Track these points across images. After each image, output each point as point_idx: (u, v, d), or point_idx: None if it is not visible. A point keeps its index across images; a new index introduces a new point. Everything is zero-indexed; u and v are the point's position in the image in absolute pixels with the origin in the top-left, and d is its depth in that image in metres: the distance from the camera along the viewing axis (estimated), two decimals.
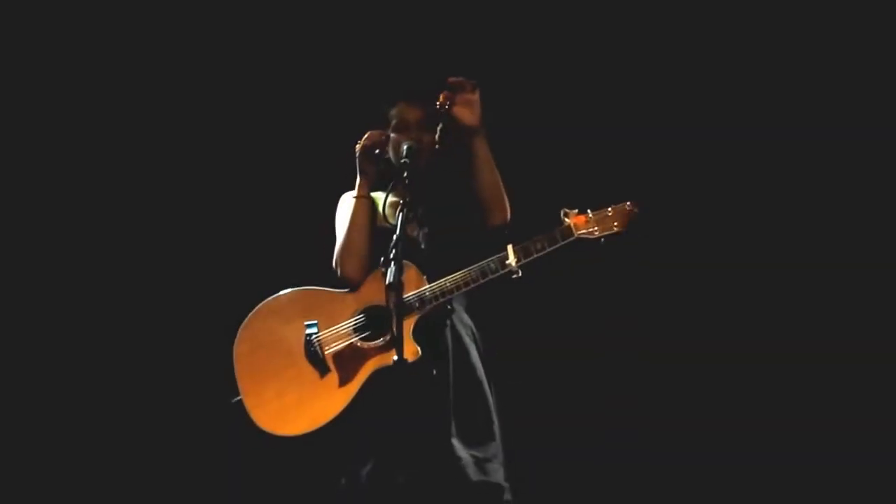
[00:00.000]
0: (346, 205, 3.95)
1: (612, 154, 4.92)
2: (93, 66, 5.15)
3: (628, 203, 3.84)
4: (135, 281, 5.14)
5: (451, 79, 3.79)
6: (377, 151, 3.87)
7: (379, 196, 3.96)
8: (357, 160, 3.88)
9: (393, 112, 3.96)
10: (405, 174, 3.73)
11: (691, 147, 4.96)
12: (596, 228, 3.82)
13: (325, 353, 3.77)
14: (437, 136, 3.85)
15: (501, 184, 3.86)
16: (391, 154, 3.92)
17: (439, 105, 3.78)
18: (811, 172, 4.96)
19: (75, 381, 5.12)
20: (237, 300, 3.94)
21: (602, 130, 4.95)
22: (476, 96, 3.79)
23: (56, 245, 5.15)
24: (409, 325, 3.71)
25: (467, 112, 3.79)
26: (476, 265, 3.77)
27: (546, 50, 5.01)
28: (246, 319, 3.85)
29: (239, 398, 3.80)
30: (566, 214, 3.81)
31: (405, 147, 3.82)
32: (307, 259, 4.15)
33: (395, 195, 3.89)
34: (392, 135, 3.93)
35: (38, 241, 5.15)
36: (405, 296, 3.61)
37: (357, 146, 3.88)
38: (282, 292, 3.88)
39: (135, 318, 5.13)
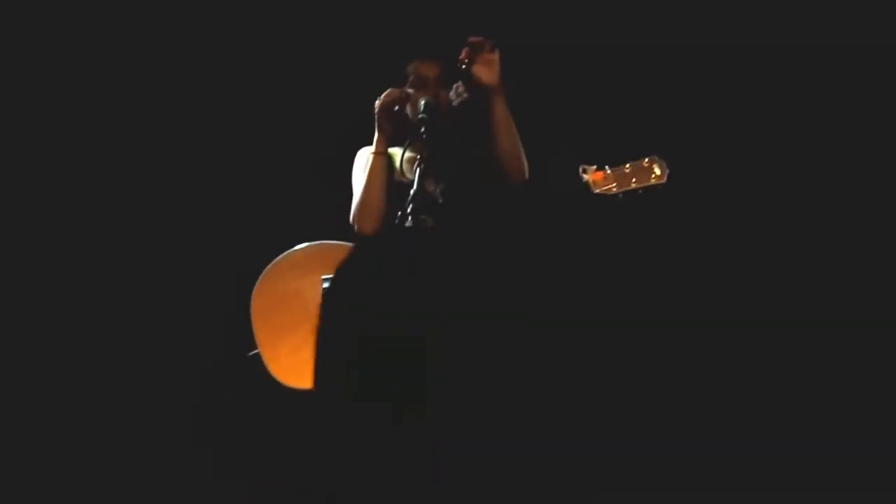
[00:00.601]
0: (364, 160, 3.96)
1: (633, 109, 4.87)
2: (93, 66, 5.11)
3: (646, 159, 3.83)
4: (154, 229, 5.15)
5: (471, 38, 3.80)
6: (396, 108, 3.88)
7: (396, 151, 3.98)
8: (375, 117, 3.89)
9: (411, 68, 3.97)
10: (422, 129, 3.75)
11: (719, 102, 4.90)
12: (614, 185, 3.82)
13: None
14: (453, 94, 3.87)
15: (519, 143, 3.87)
16: (409, 110, 3.92)
17: (459, 63, 3.79)
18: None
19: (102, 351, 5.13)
20: (255, 255, 3.97)
21: (624, 85, 4.91)
22: (495, 56, 3.79)
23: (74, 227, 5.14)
24: None
25: (486, 71, 3.79)
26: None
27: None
28: (263, 273, 3.90)
29: (256, 351, 3.84)
30: (584, 171, 3.81)
31: (422, 103, 3.82)
32: (324, 213, 4.16)
33: (413, 151, 3.90)
34: (410, 91, 3.94)
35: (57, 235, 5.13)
36: None
37: (376, 103, 3.89)
38: (298, 246, 3.92)
39: (153, 271, 5.14)
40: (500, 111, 3.83)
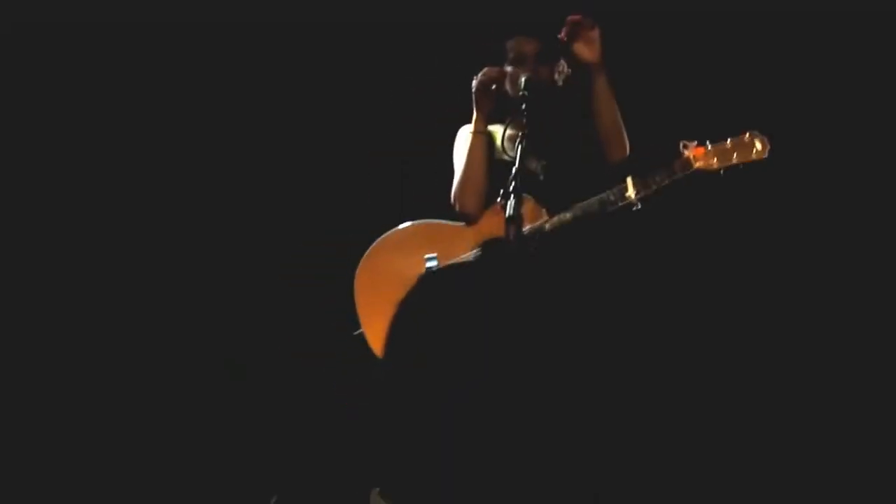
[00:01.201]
0: (464, 139, 3.98)
1: (732, 85, 4.83)
2: (93, 66, 5.15)
3: (747, 134, 3.80)
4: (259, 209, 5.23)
5: (571, 17, 3.81)
6: (494, 87, 3.89)
7: (496, 129, 3.99)
8: (474, 96, 3.90)
9: (509, 45, 3.98)
10: (523, 107, 3.76)
11: (820, 78, 4.84)
12: (715, 160, 3.80)
13: None
14: (556, 73, 3.88)
15: (621, 119, 3.88)
16: (508, 87, 3.93)
17: (559, 41, 3.81)
18: None
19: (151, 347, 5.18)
20: (358, 234, 4.01)
21: (724, 60, 4.87)
22: (595, 33, 3.81)
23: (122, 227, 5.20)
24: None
25: (587, 48, 3.81)
26: (595, 197, 3.79)
27: None
28: (367, 252, 3.93)
29: (360, 331, 3.88)
30: (685, 147, 3.80)
31: (523, 79, 3.82)
32: (426, 191, 4.19)
33: (513, 128, 3.92)
34: (509, 68, 3.95)
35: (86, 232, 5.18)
36: (524, 228, 3.61)
37: (474, 82, 3.90)
38: (402, 225, 3.94)
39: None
40: (603, 87, 3.84)
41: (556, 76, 3.92)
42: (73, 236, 5.14)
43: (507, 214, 3.40)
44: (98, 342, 5.12)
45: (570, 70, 3.89)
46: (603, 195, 3.79)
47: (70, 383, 5.11)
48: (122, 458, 5.05)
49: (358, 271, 3.92)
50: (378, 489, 3.91)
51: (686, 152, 3.79)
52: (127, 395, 5.10)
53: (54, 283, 5.14)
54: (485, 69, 3.90)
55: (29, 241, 5.13)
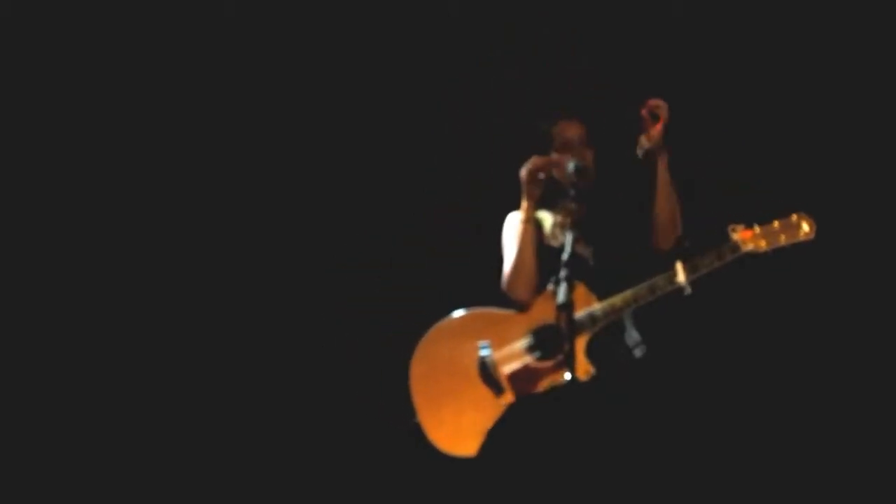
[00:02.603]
0: (513, 226, 4.01)
1: (775, 165, 4.88)
2: (94, 66, 5.20)
3: (794, 215, 3.85)
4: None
5: (652, 101, 3.87)
6: (542, 175, 3.93)
7: (545, 215, 4.04)
8: (523, 185, 3.92)
9: (554, 130, 4.02)
10: (573, 193, 3.82)
11: (859, 154, 4.88)
12: (763, 242, 3.83)
13: (500, 373, 3.84)
14: (637, 146, 3.92)
15: (678, 208, 3.91)
16: (556, 173, 3.97)
17: (641, 115, 3.87)
18: None
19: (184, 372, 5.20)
20: (411, 321, 4.04)
21: (765, 143, 4.92)
22: (666, 116, 3.86)
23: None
24: (581, 343, 3.77)
25: (657, 134, 3.86)
26: (645, 282, 3.81)
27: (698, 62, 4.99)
28: (421, 341, 3.95)
29: (416, 420, 3.90)
30: (733, 230, 3.82)
31: (572, 166, 3.88)
32: (476, 278, 4.22)
33: (562, 213, 3.98)
34: (556, 156, 3.99)
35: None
36: (576, 314, 3.65)
37: (522, 171, 3.92)
38: (454, 313, 3.96)
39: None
40: (663, 175, 3.89)
41: (638, 150, 3.92)
42: (73, 236, 5.18)
43: (558, 301, 3.44)
44: (98, 342, 5.16)
45: (650, 144, 3.89)
46: (653, 280, 3.81)
47: (70, 383, 5.15)
48: (122, 458, 5.10)
49: (413, 361, 3.94)
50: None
51: (734, 235, 3.82)
52: (126, 395, 5.15)
53: (54, 283, 5.18)
54: (532, 158, 3.93)
55: (28, 241, 5.18)
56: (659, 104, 3.85)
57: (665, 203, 3.89)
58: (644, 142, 3.88)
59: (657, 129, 3.84)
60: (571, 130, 4.01)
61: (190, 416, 5.13)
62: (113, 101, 5.20)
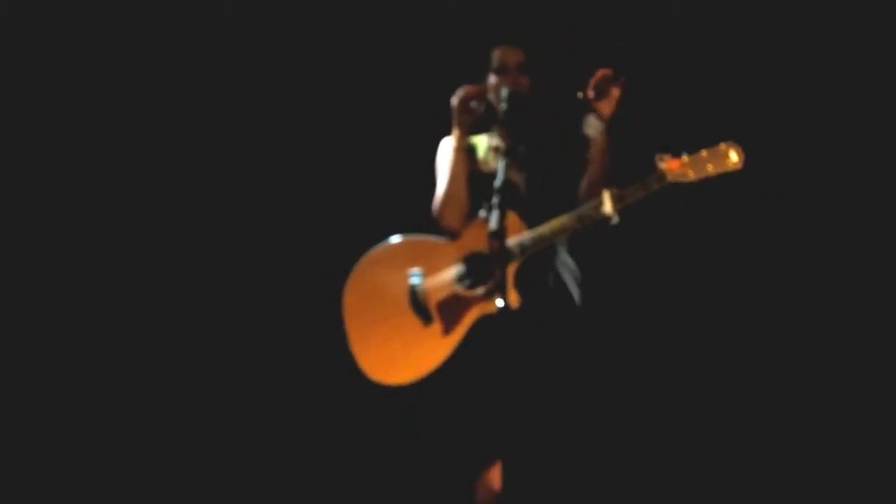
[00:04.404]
0: (445, 153, 4.00)
1: (709, 95, 4.91)
2: (94, 66, 5.20)
3: (723, 144, 3.84)
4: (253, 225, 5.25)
5: (602, 70, 3.85)
6: (473, 104, 3.91)
7: (479, 140, 4.03)
8: (454, 113, 3.91)
9: (494, 54, 4.00)
10: (505, 119, 3.81)
11: (799, 86, 4.93)
12: (690, 172, 3.83)
13: (429, 301, 3.84)
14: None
15: (606, 178, 3.88)
16: (491, 96, 3.96)
17: (583, 94, 3.85)
18: None
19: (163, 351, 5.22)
20: (344, 249, 4.01)
21: (702, 70, 4.95)
22: (618, 91, 3.86)
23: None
24: (511, 271, 3.77)
25: (606, 106, 3.87)
26: (573, 211, 3.80)
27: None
28: (354, 267, 3.93)
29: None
30: (661, 159, 3.83)
31: (505, 92, 3.88)
32: (411, 205, 4.21)
33: (495, 139, 3.97)
34: (491, 77, 3.98)
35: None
36: (506, 242, 3.66)
37: (453, 99, 3.90)
38: (387, 240, 3.95)
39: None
40: (602, 146, 3.90)
41: (591, 131, 3.90)
42: (71, 236, 5.17)
43: (489, 228, 3.45)
44: (97, 342, 5.16)
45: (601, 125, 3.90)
46: (580, 210, 3.80)
47: (69, 383, 5.14)
48: (122, 458, 5.10)
49: (345, 288, 3.92)
50: None
51: (661, 164, 3.81)
52: (126, 394, 5.14)
53: (54, 283, 5.17)
54: (464, 86, 3.91)
55: (28, 241, 5.17)
56: (608, 75, 3.84)
57: (596, 167, 3.90)
58: (596, 123, 3.89)
59: (607, 106, 3.85)
60: (510, 56, 3.98)
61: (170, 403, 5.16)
62: (113, 101, 5.18)
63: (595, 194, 3.83)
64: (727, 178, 3.85)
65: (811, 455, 4.85)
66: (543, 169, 3.96)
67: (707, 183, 3.84)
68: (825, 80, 4.90)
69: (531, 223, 3.83)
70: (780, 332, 4.93)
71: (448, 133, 3.99)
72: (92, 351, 5.16)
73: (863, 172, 4.89)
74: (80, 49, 5.16)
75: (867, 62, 4.88)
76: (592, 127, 3.91)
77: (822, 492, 4.80)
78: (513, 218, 3.77)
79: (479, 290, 3.82)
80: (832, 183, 4.90)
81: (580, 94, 3.86)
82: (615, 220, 3.79)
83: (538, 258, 3.85)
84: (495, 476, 3.84)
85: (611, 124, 3.89)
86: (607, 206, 3.78)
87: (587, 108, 3.88)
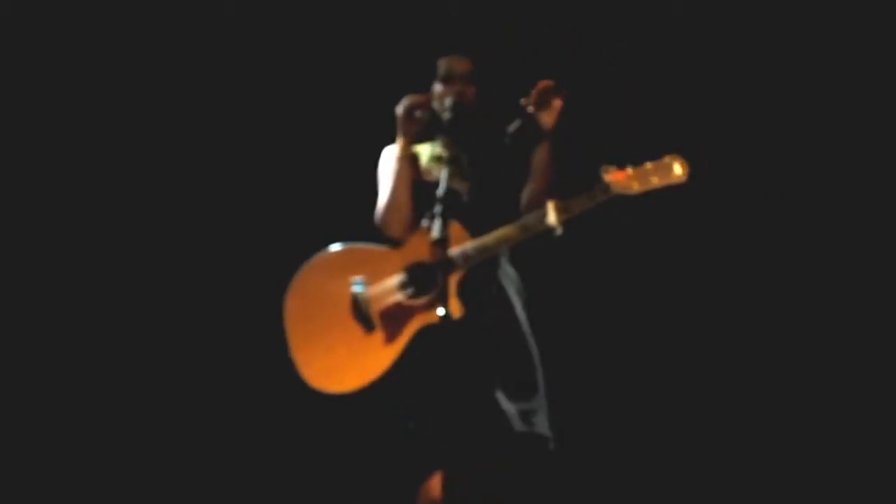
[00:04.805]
0: (388, 161, 3.99)
1: (655, 109, 4.94)
2: (93, 66, 5.20)
3: (667, 157, 3.85)
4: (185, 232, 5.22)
5: (544, 82, 3.86)
6: (418, 113, 3.92)
7: (422, 149, 4.03)
8: (399, 121, 3.91)
9: (441, 63, 4.00)
10: (449, 128, 3.83)
11: (742, 101, 4.96)
12: (635, 184, 3.84)
13: (372, 309, 3.82)
14: (508, 133, 3.94)
15: (550, 190, 3.89)
16: (436, 104, 3.96)
17: (524, 103, 3.86)
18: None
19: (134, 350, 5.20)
20: (286, 257, 3.99)
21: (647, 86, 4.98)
22: (560, 102, 3.87)
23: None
24: (453, 280, 3.76)
25: (547, 117, 3.87)
26: (518, 222, 3.80)
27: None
28: (295, 276, 3.90)
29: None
30: (606, 171, 3.83)
31: (449, 101, 3.89)
32: (353, 214, 4.20)
33: (438, 148, 3.98)
34: (437, 86, 3.99)
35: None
36: (449, 252, 3.67)
37: (398, 108, 3.91)
38: (329, 248, 3.92)
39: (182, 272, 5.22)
40: (546, 156, 3.90)
41: (522, 104, 3.92)
42: (67, 236, 5.17)
43: (432, 237, 3.45)
44: (96, 342, 5.14)
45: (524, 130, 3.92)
46: (524, 220, 3.81)
47: (69, 383, 5.12)
48: (122, 458, 5.08)
49: (287, 295, 3.89)
50: None
51: (606, 177, 3.82)
52: (125, 394, 5.13)
53: (53, 283, 5.16)
54: (409, 95, 3.91)
55: (27, 241, 5.16)
56: (549, 86, 3.85)
57: (542, 183, 3.91)
58: (516, 125, 3.92)
59: (548, 116, 3.86)
60: (458, 64, 3.98)
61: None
62: (113, 102, 5.18)
63: (536, 205, 3.83)
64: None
65: (794, 455, 4.89)
66: (487, 178, 3.96)
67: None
68: (811, 84, 4.96)
69: (475, 233, 3.82)
70: (738, 339, 4.97)
71: (389, 142, 3.99)
72: (64, 352, 5.16)
73: (851, 172, 4.95)
74: (69, 48, 5.17)
75: (860, 65, 4.93)
76: (513, 128, 3.93)
77: (807, 491, 4.83)
78: (456, 227, 3.76)
79: (422, 299, 3.82)
80: (812, 184, 4.95)
81: (522, 102, 3.86)
82: (559, 231, 3.78)
83: (481, 268, 3.85)
84: (436, 485, 3.83)
85: (557, 135, 3.90)
86: (551, 217, 3.77)
87: (528, 117, 3.89)
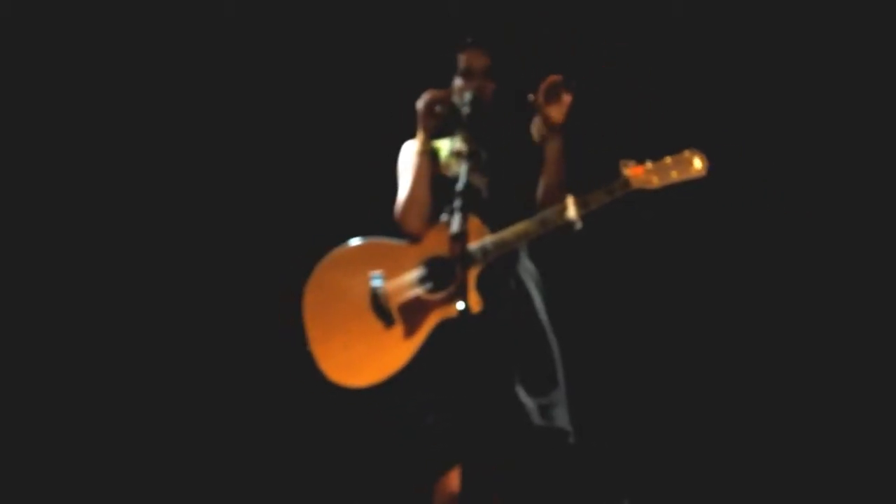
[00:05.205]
0: (408, 156, 4.00)
1: (676, 104, 4.93)
2: (93, 66, 5.21)
3: (687, 151, 3.85)
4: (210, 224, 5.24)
5: (553, 76, 3.86)
6: (438, 108, 3.93)
7: (441, 144, 4.04)
8: (419, 116, 3.92)
9: (461, 57, 4.01)
10: (468, 123, 3.83)
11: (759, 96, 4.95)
12: (655, 178, 3.84)
13: (391, 304, 3.83)
14: (534, 130, 3.94)
15: (563, 184, 3.90)
16: (456, 99, 3.96)
17: (533, 98, 3.85)
18: None
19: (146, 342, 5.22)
20: (306, 251, 4.00)
21: (667, 81, 4.97)
22: (569, 97, 3.87)
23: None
24: (472, 275, 3.77)
25: (556, 110, 3.87)
26: (537, 216, 3.81)
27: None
28: (314, 270, 3.91)
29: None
30: (625, 165, 3.84)
31: (468, 95, 3.89)
32: (373, 209, 4.21)
33: (457, 143, 3.98)
34: (457, 81, 3.99)
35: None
36: (468, 246, 3.67)
37: (419, 103, 3.92)
38: (348, 242, 3.94)
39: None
40: (557, 151, 3.90)
41: (534, 133, 3.96)
42: (62, 237, 5.18)
43: (451, 232, 3.45)
44: (95, 341, 5.15)
45: (546, 129, 3.91)
46: (544, 214, 3.81)
47: (69, 383, 5.14)
48: (122, 458, 5.09)
49: (306, 290, 3.90)
50: None
51: (626, 171, 3.82)
52: (124, 394, 5.14)
53: (53, 283, 5.18)
54: (429, 90, 3.93)
55: (27, 241, 5.17)
56: (558, 81, 3.85)
57: (552, 176, 3.91)
58: (541, 127, 3.91)
59: (558, 111, 3.86)
60: (476, 60, 3.99)
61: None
62: (113, 102, 5.20)
63: (550, 199, 3.85)
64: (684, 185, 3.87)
65: (808, 445, 4.90)
66: (506, 173, 3.97)
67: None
68: (811, 84, 4.95)
69: (493, 227, 3.83)
70: (751, 336, 4.97)
71: (408, 137, 4.00)
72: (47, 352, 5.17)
73: (852, 172, 4.95)
74: (75, 49, 5.20)
75: (860, 65, 4.92)
76: (537, 130, 3.93)
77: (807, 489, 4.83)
78: (475, 222, 3.77)
79: (441, 294, 3.82)
80: (812, 184, 4.93)
81: (531, 97, 3.86)
82: (578, 225, 3.78)
83: (500, 262, 3.85)
84: (455, 479, 3.83)
85: (572, 130, 3.89)
86: (571, 212, 3.78)
87: (536, 111, 3.89)
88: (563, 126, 3.88)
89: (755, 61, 4.96)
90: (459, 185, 3.51)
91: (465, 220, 3.46)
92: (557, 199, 3.83)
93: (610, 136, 4.61)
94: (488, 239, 3.81)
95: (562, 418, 3.86)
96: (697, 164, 3.87)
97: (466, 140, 3.94)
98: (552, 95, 3.86)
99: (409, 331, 3.84)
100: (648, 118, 4.88)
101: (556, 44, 4.65)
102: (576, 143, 3.95)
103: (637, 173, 3.85)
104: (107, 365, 5.16)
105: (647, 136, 4.57)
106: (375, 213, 4.10)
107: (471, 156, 3.73)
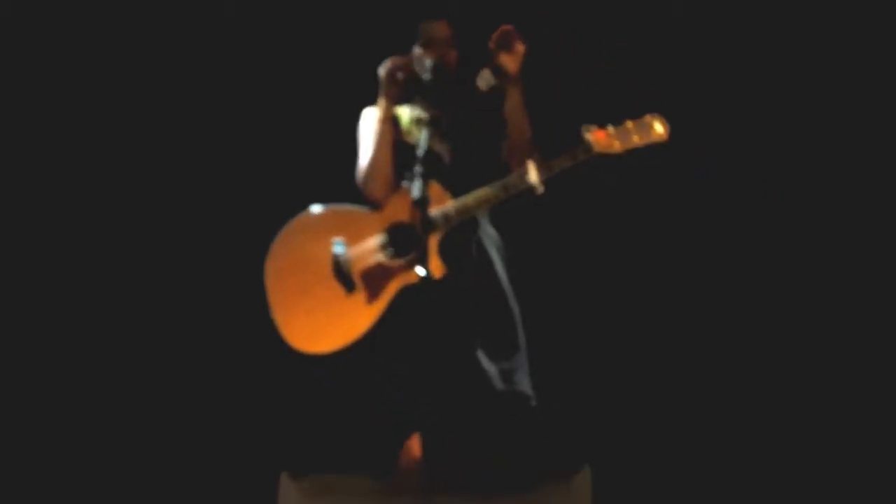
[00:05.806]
0: (369, 123, 4.01)
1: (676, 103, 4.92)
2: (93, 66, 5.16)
3: (648, 116, 3.86)
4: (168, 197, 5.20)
5: (504, 26, 3.87)
6: (400, 75, 3.93)
7: (402, 111, 4.04)
8: (381, 83, 3.93)
9: (422, 27, 4.02)
10: (429, 90, 3.83)
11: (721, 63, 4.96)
12: (616, 143, 3.86)
13: (353, 270, 3.84)
14: (481, 81, 3.94)
15: (530, 132, 3.93)
16: (416, 68, 3.97)
17: (489, 46, 3.87)
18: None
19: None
20: (267, 219, 4.00)
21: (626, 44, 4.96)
22: (522, 48, 3.88)
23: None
24: (434, 241, 3.78)
25: (510, 60, 3.88)
26: (498, 181, 3.82)
27: None
28: (276, 237, 3.92)
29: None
30: (587, 130, 3.85)
31: (429, 63, 3.90)
32: (334, 175, 4.20)
33: (419, 110, 3.99)
34: (417, 49, 4.00)
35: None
36: (430, 212, 3.66)
37: (380, 70, 3.93)
38: (310, 209, 3.94)
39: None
40: (516, 101, 3.92)
41: (481, 82, 3.96)
42: (61, 236, 5.13)
43: (412, 197, 3.45)
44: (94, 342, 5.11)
45: (495, 79, 3.93)
46: (505, 179, 3.82)
47: (69, 383, 5.09)
48: (121, 458, 5.05)
49: (268, 257, 3.91)
50: (287, 473, 3.98)
51: (587, 136, 3.83)
52: (124, 394, 5.10)
53: (52, 283, 5.13)
54: (391, 57, 3.93)
55: (26, 241, 5.12)
56: (509, 31, 3.86)
57: (516, 130, 3.93)
58: (488, 76, 3.92)
59: (511, 61, 3.87)
60: (438, 29, 4.01)
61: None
62: (113, 102, 5.12)
63: (516, 156, 3.87)
64: (645, 152, 3.88)
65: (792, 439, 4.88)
66: (467, 139, 3.98)
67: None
68: (811, 84, 4.93)
69: (455, 193, 3.84)
70: (707, 295, 4.98)
71: (368, 103, 3.99)
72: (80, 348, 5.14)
73: (851, 172, 4.92)
74: (75, 49, 5.14)
75: (860, 64, 4.91)
76: (483, 80, 3.95)
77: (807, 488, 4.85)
78: (436, 188, 3.79)
79: (403, 260, 3.83)
80: (811, 184, 4.94)
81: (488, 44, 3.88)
82: (540, 190, 3.81)
83: (462, 228, 3.86)
84: (416, 444, 3.85)
85: (532, 93, 3.92)
86: (532, 176, 3.80)
87: (488, 60, 3.90)
88: (517, 78, 3.89)
89: (755, 61, 4.94)
90: (420, 152, 3.52)
91: (426, 187, 3.46)
92: (525, 155, 3.85)
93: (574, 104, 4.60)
94: (450, 205, 3.82)
95: (523, 382, 3.88)
96: (659, 128, 3.88)
97: (427, 107, 3.93)
98: (505, 44, 3.87)
99: (372, 297, 3.85)
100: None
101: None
102: (538, 107, 3.96)
103: (599, 138, 3.86)
104: (104, 361, 5.13)
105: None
106: (336, 180, 4.09)
107: (432, 122, 3.73)
